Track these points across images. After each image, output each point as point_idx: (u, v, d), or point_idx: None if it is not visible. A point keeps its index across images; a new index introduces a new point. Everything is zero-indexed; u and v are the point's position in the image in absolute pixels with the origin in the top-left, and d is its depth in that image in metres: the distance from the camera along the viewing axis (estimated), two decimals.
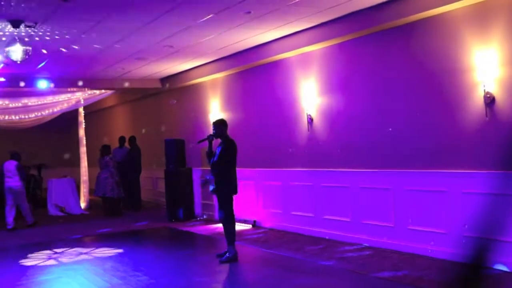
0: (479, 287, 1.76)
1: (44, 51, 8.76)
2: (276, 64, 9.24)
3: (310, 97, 8.46)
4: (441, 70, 6.42)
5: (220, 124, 7.10)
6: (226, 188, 6.92)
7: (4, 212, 10.94)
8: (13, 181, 10.80)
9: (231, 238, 6.90)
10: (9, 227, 10.68)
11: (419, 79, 6.72)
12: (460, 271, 1.79)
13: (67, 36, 7.94)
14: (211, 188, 7.00)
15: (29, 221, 11.10)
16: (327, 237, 8.09)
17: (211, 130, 11.06)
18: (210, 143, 7.07)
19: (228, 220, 6.94)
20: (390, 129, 7.00)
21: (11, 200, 10.82)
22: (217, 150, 7.02)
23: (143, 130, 14.38)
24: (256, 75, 9.83)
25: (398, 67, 7.02)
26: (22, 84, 11.35)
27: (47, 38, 7.89)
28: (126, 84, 12.53)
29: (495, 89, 5.80)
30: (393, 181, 7.05)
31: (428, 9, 6.33)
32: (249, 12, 7.11)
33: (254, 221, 9.80)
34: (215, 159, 6.94)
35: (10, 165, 10.88)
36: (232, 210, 6.96)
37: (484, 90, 5.86)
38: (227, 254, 6.88)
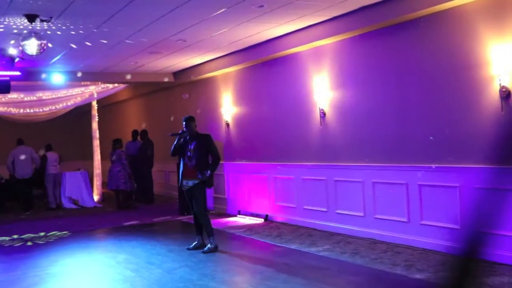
0: (479, 279, 1.76)
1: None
2: (289, 58, 9.21)
3: (323, 91, 8.43)
4: (455, 63, 6.36)
5: (190, 121, 7.37)
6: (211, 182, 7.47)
7: (46, 194, 13.19)
8: (56, 169, 13.12)
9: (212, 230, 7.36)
10: (52, 206, 12.95)
11: (433, 73, 6.66)
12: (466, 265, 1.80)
13: (81, 31, 7.98)
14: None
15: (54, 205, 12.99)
16: (340, 232, 8.07)
17: (223, 123, 11.19)
18: (180, 138, 7.37)
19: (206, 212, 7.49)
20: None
21: (53, 184, 13.04)
22: (190, 146, 7.29)
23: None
24: (268, 69, 9.82)
25: (412, 61, 6.96)
26: (40, 77, 11.49)
27: (62, 32, 7.94)
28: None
29: (511, 83, 5.74)
30: (407, 176, 7.01)
31: (442, 2, 6.26)
32: (262, 6, 7.08)
33: (266, 215, 9.80)
34: (194, 155, 7.25)
35: (54, 155, 13.20)
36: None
37: (500, 84, 5.80)
38: (208, 245, 7.19)
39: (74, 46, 9.00)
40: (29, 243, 8.60)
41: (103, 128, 15.78)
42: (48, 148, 13.34)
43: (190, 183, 7.27)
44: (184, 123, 7.36)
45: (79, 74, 11.94)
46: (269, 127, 9.87)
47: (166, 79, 12.89)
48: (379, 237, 7.39)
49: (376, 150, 7.52)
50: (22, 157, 12.55)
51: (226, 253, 7.23)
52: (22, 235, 9.36)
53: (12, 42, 8.32)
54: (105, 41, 8.85)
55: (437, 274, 5.54)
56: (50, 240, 8.83)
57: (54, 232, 9.52)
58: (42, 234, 9.42)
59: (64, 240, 8.81)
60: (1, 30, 7.70)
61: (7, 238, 9.10)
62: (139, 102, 16.80)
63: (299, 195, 9.08)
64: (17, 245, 8.56)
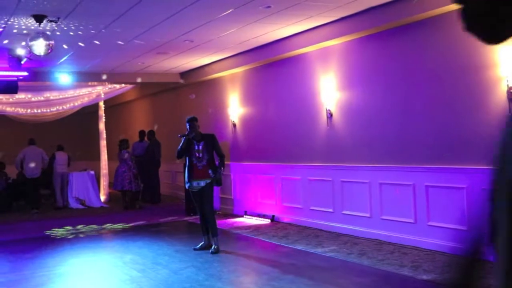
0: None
1: (65, 46, 8.86)
2: (296, 58, 9.21)
3: (330, 92, 8.42)
4: (463, 65, 6.34)
5: (194, 121, 7.32)
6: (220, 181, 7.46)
7: (54, 193, 13.35)
8: (64, 169, 13.23)
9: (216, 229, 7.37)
10: (59, 204, 13.06)
11: (440, 74, 6.64)
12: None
13: (88, 31, 8.01)
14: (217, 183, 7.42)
15: (62, 204, 13.14)
16: (346, 233, 8.06)
17: (229, 124, 11.20)
18: (187, 140, 7.29)
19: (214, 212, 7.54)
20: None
21: (60, 183, 13.15)
22: (197, 146, 7.26)
23: (155, 127, 14.44)
24: (276, 70, 9.82)
25: (419, 62, 6.95)
26: (48, 77, 11.57)
27: (69, 33, 7.98)
28: (139, 79, 12.56)
29: None
30: (414, 177, 6.99)
31: (450, 3, 6.24)
32: (269, 7, 7.09)
33: (273, 216, 9.80)
34: (204, 156, 7.24)
35: (64, 156, 13.30)
36: None
37: (508, 86, 5.77)
38: (214, 246, 7.20)
39: (80, 46, 9.03)
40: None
41: (110, 129, 15.83)
42: (59, 148, 13.46)
43: (202, 183, 7.26)
44: (188, 124, 7.32)
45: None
46: (276, 127, 9.87)
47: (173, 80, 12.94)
48: (386, 238, 7.37)
49: (383, 151, 7.50)
50: (32, 164, 12.53)
51: (233, 253, 7.23)
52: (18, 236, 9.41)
53: (21, 42, 8.36)
54: (111, 42, 8.87)
55: (443, 275, 5.52)
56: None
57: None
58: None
59: (69, 240, 8.85)
60: (9, 30, 7.74)
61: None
62: (146, 102, 16.84)
63: (305, 196, 9.07)
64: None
